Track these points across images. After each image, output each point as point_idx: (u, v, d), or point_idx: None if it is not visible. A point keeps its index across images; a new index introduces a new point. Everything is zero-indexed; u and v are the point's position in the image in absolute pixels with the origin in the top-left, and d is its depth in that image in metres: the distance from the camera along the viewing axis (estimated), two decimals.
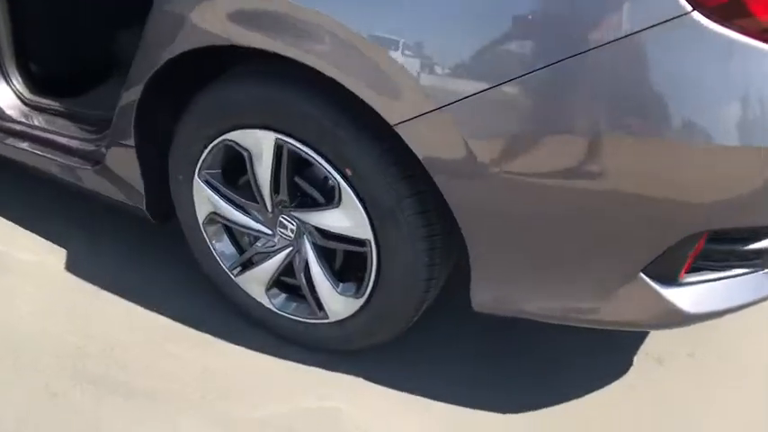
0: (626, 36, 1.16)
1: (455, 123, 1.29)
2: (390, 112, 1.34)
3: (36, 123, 2.18)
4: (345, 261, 1.67)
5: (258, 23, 1.43)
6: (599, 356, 1.81)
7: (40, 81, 2.27)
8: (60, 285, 2.03)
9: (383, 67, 1.31)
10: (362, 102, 1.38)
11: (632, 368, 1.78)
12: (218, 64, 1.64)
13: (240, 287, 1.84)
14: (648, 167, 1.23)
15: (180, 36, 1.55)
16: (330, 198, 1.58)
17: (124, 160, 1.87)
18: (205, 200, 1.76)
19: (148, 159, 1.85)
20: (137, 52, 1.72)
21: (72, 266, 2.10)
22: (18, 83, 2.23)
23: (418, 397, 1.71)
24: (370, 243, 1.54)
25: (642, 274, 1.34)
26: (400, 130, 1.34)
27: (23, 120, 2.18)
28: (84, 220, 2.27)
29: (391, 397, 1.71)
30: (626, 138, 1.22)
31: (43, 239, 2.18)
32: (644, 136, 1.22)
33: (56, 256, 2.13)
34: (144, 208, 1.91)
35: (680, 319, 1.39)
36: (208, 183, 1.74)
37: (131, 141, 1.81)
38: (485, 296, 1.50)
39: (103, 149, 1.95)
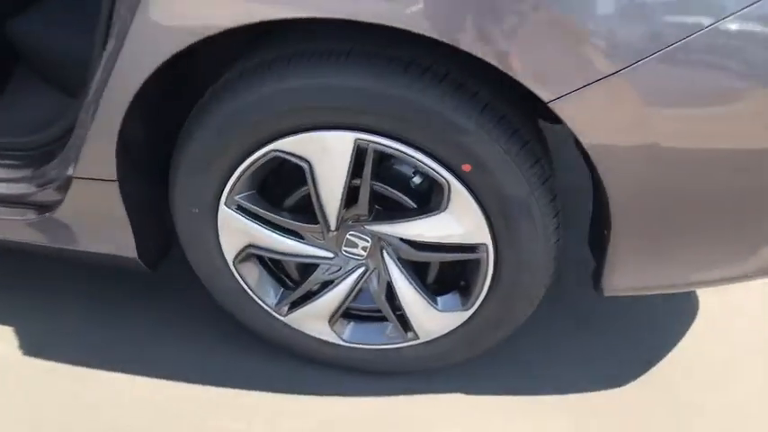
0: None
1: (634, 89, 1.04)
2: (546, 86, 1.05)
3: None
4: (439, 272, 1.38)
5: None
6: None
7: None
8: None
9: (539, 31, 1.02)
10: (492, 81, 1.08)
11: None
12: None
13: (292, 328, 1.47)
14: None
15: (203, 13, 1.11)
16: (424, 203, 1.27)
17: (98, 200, 1.38)
18: (237, 232, 1.36)
19: (133, 195, 1.38)
20: (99, 49, 1.23)
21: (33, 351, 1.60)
22: None
23: (519, 398, 1.50)
24: (485, 247, 1.26)
25: None
26: (557, 106, 1.06)
27: None
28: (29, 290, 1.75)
29: (494, 407, 1.48)
30: None
31: None
32: None
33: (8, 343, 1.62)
34: (135, 256, 1.45)
35: None
36: (241, 209, 1.33)
37: (110, 175, 1.33)
38: (624, 278, 1.30)
39: (53, 190, 1.44)
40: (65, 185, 1.40)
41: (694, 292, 1.72)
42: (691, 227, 1.21)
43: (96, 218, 1.42)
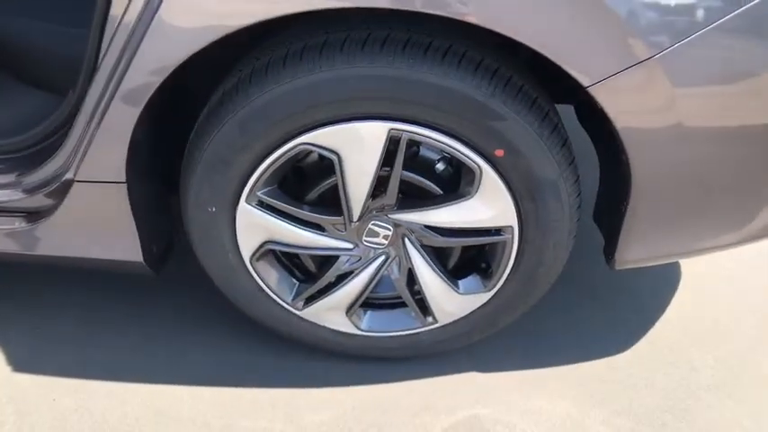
0: None
1: (667, 73, 1.08)
2: (585, 71, 1.08)
3: None
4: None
5: None
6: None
7: None
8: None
9: (580, 17, 1.04)
10: (526, 66, 1.10)
11: None
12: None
13: (309, 321, 1.45)
14: None
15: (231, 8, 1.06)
16: (448, 189, 1.28)
17: (103, 204, 1.31)
18: (257, 228, 1.32)
19: (140, 197, 1.31)
20: (94, 47, 1.16)
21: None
22: None
23: (534, 372, 1.56)
24: (511, 229, 1.29)
25: None
26: (596, 91, 1.09)
27: None
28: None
29: (510, 383, 1.53)
30: None
31: None
32: None
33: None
34: (141, 260, 1.38)
35: None
36: (262, 205, 1.29)
37: (119, 177, 1.26)
38: (637, 250, 1.36)
39: (44, 196, 1.34)
40: (61, 189, 1.31)
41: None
42: (703, 198, 1.28)
43: (100, 222, 1.34)
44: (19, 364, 1.53)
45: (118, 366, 1.52)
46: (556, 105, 1.30)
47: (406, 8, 1.06)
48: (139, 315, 1.65)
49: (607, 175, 1.38)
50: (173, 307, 1.67)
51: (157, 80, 1.13)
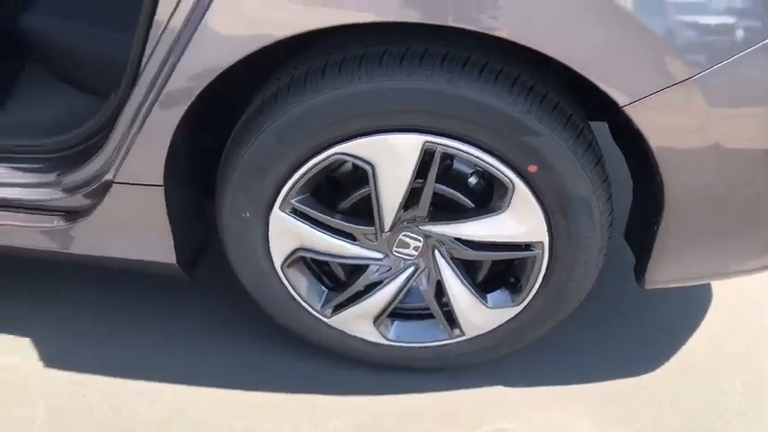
0: None
1: (704, 93, 1.08)
2: (622, 89, 1.08)
3: None
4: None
5: None
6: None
7: None
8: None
9: (616, 33, 1.04)
10: (563, 83, 1.10)
11: None
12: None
13: (336, 329, 1.47)
14: None
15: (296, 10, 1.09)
16: (480, 203, 1.29)
17: (140, 205, 1.33)
18: (289, 235, 1.33)
19: (176, 200, 1.34)
20: (138, 50, 1.18)
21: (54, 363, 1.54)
22: None
23: (562, 388, 1.55)
24: (542, 245, 1.29)
25: None
26: (632, 110, 1.10)
27: None
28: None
29: (537, 398, 1.52)
30: None
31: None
32: None
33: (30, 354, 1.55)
34: (174, 262, 1.41)
35: None
36: (296, 213, 1.31)
37: (157, 179, 1.29)
38: (667, 271, 1.35)
39: (83, 195, 1.37)
40: (100, 190, 1.34)
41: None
42: (737, 220, 1.27)
43: (136, 223, 1.36)
44: (49, 361, 1.56)
45: (141, 365, 1.55)
46: (590, 122, 1.30)
47: (437, 23, 1.07)
48: (160, 314, 1.67)
49: (640, 194, 1.38)
50: (196, 309, 1.69)
51: (199, 86, 1.16)
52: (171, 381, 1.53)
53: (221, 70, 1.14)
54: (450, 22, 1.07)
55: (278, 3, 1.11)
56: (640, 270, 1.37)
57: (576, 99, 1.24)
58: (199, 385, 1.52)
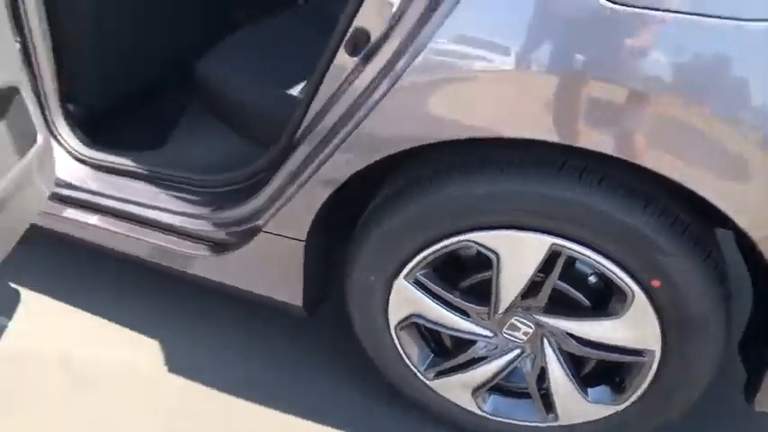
0: None
1: None
2: (760, 227, 1.10)
3: (100, 189, 1.66)
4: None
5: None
6: None
7: (92, 127, 1.72)
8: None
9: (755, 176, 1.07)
10: (690, 208, 1.13)
11: None
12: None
13: (435, 391, 1.54)
14: None
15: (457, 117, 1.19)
16: (601, 305, 1.33)
17: (280, 254, 1.46)
18: (408, 302, 1.42)
19: (315, 253, 1.46)
20: (305, 106, 1.30)
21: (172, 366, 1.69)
22: (66, 132, 1.68)
23: None
24: (653, 353, 1.31)
25: None
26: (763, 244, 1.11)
27: (82, 185, 1.66)
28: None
29: None
30: None
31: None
32: None
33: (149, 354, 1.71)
34: (300, 305, 1.53)
35: None
36: (417, 283, 1.40)
37: (301, 235, 1.41)
38: None
39: (230, 234, 1.52)
40: (248, 233, 1.49)
41: None
42: None
43: (273, 267, 1.50)
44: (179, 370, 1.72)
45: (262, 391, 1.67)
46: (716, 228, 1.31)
47: (595, 149, 1.13)
48: (296, 348, 1.77)
49: (759, 309, 1.37)
50: (316, 346, 1.80)
51: (365, 162, 1.26)
52: (271, 405, 1.64)
53: (393, 152, 1.24)
54: (610, 151, 1.12)
55: (464, 107, 1.19)
56: (751, 390, 1.36)
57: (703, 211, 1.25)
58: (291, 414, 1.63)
